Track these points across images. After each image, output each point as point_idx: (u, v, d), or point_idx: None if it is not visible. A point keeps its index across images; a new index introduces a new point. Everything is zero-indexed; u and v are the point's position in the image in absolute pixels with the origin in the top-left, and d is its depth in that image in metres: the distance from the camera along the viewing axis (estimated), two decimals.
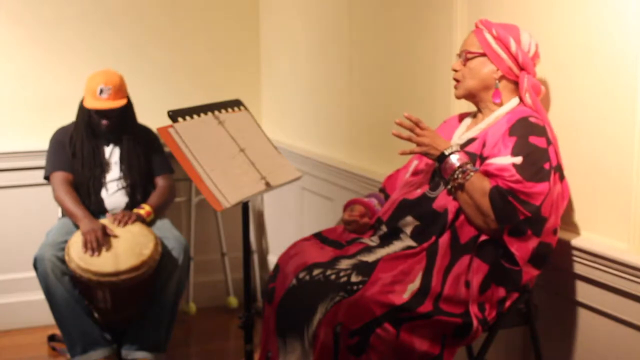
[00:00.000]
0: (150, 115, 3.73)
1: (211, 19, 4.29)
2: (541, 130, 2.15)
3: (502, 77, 2.25)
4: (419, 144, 2.21)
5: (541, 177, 2.08)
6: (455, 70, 2.30)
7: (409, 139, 2.22)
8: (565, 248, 2.24)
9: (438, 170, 2.23)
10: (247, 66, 4.41)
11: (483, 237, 2.12)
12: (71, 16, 4.02)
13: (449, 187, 2.16)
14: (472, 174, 2.11)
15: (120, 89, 3.51)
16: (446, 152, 2.16)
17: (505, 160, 2.09)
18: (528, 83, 2.22)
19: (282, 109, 4.24)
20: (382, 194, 2.56)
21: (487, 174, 2.11)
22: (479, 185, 2.09)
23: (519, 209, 2.05)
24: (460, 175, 2.12)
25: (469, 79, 2.26)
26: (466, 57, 2.26)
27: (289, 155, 3.79)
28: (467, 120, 2.40)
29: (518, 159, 2.08)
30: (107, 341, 3.35)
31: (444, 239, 2.14)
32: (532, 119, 2.17)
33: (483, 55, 2.24)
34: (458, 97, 2.33)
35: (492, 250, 2.11)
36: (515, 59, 2.22)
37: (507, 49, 2.22)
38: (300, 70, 3.96)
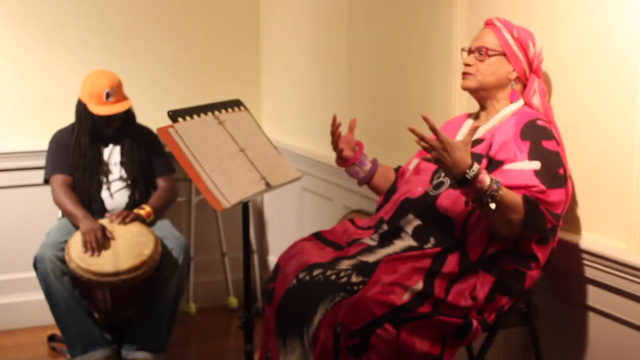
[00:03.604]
0: (150, 115, 3.73)
1: (211, 19, 4.29)
2: (550, 134, 2.16)
3: (517, 78, 2.26)
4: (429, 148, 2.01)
5: (558, 184, 2.08)
6: (468, 65, 2.28)
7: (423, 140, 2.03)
8: (565, 248, 2.24)
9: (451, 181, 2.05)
10: (247, 66, 4.41)
11: (490, 250, 2.11)
12: (71, 16, 4.02)
13: (476, 206, 2.05)
14: (500, 193, 1.98)
15: (121, 88, 3.52)
16: (468, 177, 1.95)
17: (523, 165, 2.08)
18: (538, 86, 2.24)
19: (282, 109, 4.23)
20: (393, 172, 2.57)
21: (511, 187, 2.04)
22: (510, 201, 2.00)
23: (548, 218, 2.06)
24: (489, 200, 1.98)
25: (487, 74, 2.25)
26: (486, 53, 2.24)
27: (289, 155, 3.79)
28: (470, 121, 2.39)
29: (536, 164, 2.07)
30: (107, 341, 3.34)
31: (453, 258, 2.11)
32: (539, 122, 2.18)
33: (502, 54, 2.24)
34: (466, 88, 2.30)
35: (497, 261, 2.11)
36: (530, 63, 2.24)
37: (525, 52, 2.23)
38: (300, 71, 3.95)
